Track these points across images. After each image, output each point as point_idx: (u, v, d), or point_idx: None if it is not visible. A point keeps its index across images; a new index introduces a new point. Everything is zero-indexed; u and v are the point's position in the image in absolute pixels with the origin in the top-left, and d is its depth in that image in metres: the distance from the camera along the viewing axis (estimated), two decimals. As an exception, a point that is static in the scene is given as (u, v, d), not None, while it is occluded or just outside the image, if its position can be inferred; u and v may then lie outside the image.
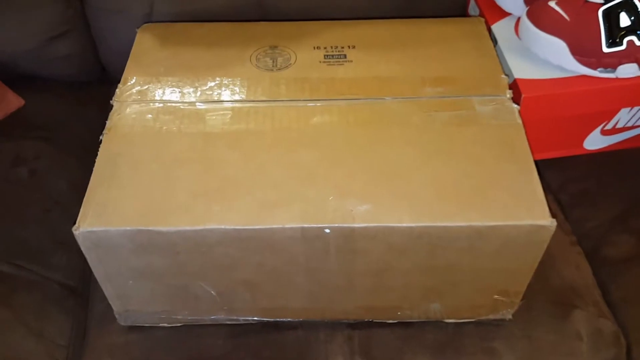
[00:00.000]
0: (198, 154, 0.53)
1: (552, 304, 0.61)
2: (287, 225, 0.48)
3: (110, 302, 0.56)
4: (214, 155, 0.53)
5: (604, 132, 0.74)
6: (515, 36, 0.72)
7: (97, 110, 0.81)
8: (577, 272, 0.64)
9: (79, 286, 0.64)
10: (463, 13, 0.83)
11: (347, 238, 0.49)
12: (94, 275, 0.53)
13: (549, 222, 0.48)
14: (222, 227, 0.48)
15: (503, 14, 0.75)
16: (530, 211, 0.48)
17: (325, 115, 0.56)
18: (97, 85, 0.83)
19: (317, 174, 0.51)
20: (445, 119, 0.55)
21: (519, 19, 0.74)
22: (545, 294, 0.61)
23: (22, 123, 0.75)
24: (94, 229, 0.48)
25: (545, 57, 0.68)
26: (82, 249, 0.50)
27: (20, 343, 0.57)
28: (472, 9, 0.81)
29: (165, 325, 0.59)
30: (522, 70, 0.63)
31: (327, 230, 0.48)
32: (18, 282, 0.61)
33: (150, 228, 0.48)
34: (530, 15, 0.69)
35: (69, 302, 0.62)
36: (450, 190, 0.50)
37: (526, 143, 0.53)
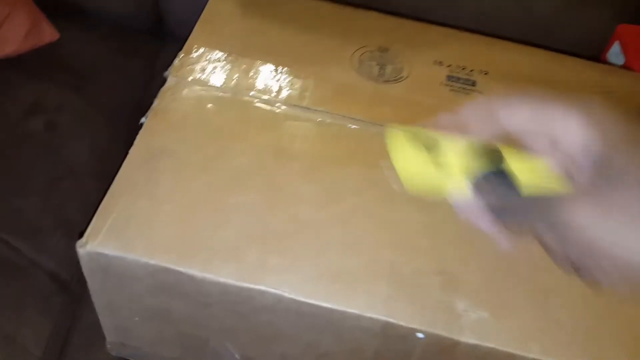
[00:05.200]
0: (264, 175, 0.39)
1: None
2: (366, 314, 0.34)
3: (104, 331, 0.43)
4: (284, 183, 0.39)
5: None
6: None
7: (142, 66, 0.67)
8: None
9: (71, 281, 0.51)
10: (597, 56, 0.68)
11: (444, 351, 0.35)
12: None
13: None
14: (278, 292, 0.35)
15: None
16: None
17: (439, 161, 0.42)
18: (149, 36, 0.69)
19: (417, 244, 0.37)
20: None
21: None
22: None
23: (51, 62, 0.62)
24: (106, 251, 0.35)
25: None
26: (84, 269, 0.37)
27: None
28: (614, 55, 0.66)
29: (167, 369, 0.46)
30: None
31: (420, 336, 0.34)
32: (-2, 262, 0.48)
33: (180, 269, 0.35)
34: None
35: (55, 301, 0.50)
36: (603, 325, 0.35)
37: None
